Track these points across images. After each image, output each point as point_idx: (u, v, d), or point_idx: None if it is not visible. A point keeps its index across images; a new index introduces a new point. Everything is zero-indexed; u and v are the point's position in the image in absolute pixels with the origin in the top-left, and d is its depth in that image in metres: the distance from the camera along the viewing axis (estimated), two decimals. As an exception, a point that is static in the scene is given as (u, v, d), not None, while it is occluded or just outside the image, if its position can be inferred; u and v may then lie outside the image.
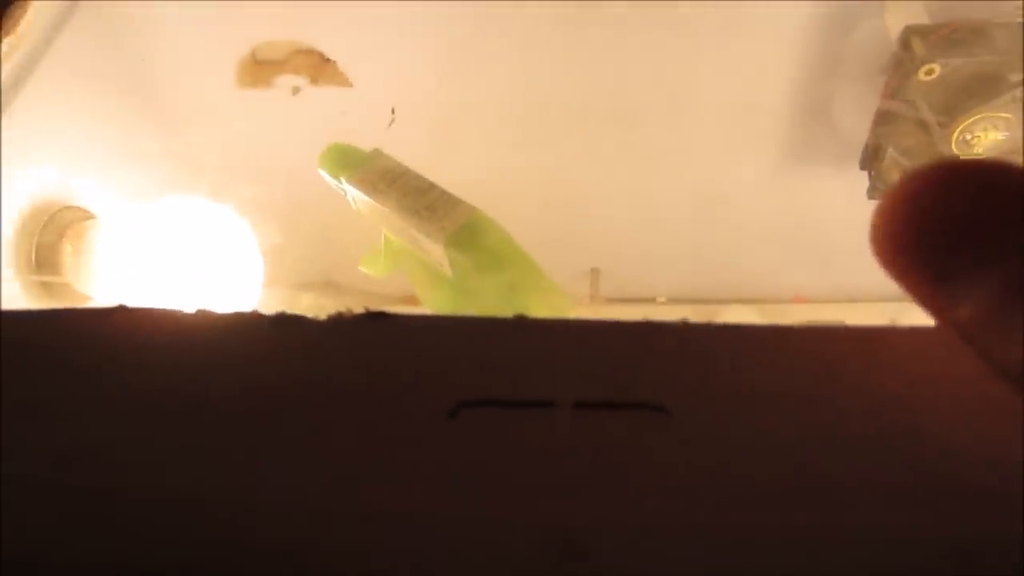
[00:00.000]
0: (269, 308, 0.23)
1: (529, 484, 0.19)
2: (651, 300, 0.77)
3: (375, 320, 0.21)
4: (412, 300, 0.67)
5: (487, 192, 0.66)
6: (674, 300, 0.76)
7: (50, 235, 0.46)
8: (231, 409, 0.21)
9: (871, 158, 0.55)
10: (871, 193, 0.56)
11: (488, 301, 0.33)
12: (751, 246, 0.71)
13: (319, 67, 0.61)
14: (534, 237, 0.70)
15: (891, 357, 0.19)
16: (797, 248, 0.71)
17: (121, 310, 0.23)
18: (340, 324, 0.21)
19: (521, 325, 0.21)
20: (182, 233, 0.47)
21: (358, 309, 0.22)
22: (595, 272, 0.76)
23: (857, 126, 0.57)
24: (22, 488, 0.19)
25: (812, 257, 0.71)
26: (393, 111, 0.35)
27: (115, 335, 0.22)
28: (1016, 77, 0.48)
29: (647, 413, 0.19)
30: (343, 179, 0.35)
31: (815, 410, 0.19)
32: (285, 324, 0.21)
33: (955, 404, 0.17)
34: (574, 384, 0.20)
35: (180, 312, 0.22)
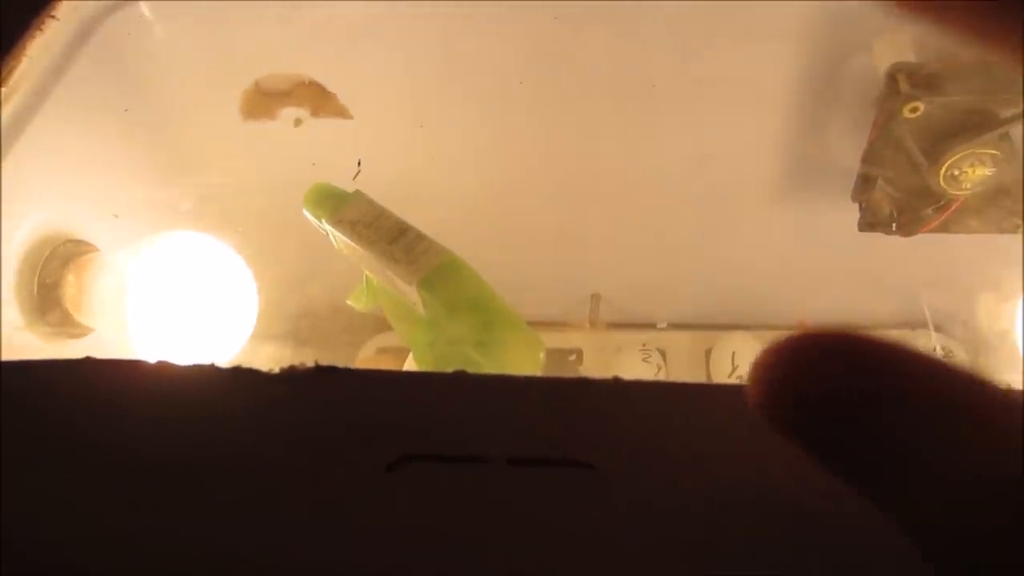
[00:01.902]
0: (233, 362, 0.24)
1: (462, 538, 0.20)
2: (651, 326, 0.77)
3: (325, 374, 0.22)
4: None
5: (488, 218, 0.68)
6: (674, 326, 0.77)
7: (53, 268, 0.48)
8: (186, 460, 0.22)
9: (861, 190, 0.55)
10: (862, 225, 0.57)
11: (460, 341, 0.34)
12: (751, 273, 0.71)
13: (320, 99, 0.62)
14: (535, 262, 0.72)
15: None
16: (798, 276, 0.71)
17: (87, 362, 0.24)
18: (292, 377, 0.22)
19: (461, 380, 0.22)
20: (183, 268, 0.48)
21: (309, 362, 0.23)
22: (595, 297, 0.77)
23: (850, 158, 0.57)
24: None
25: (812, 285, 0.71)
26: (359, 162, 0.36)
27: (81, 386, 0.24)
28: (1004, 114, 0.49)
29: (576, 470, 0.20)
30: (324, 220, 0.37)
31: (741, 469, 0.20)
32: (241, 377, 0.23)
33: None
34: (509, 439, 0.21)
35: (143, 363, 0.24)
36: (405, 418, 0.20)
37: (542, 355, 0.32)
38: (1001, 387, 0.11)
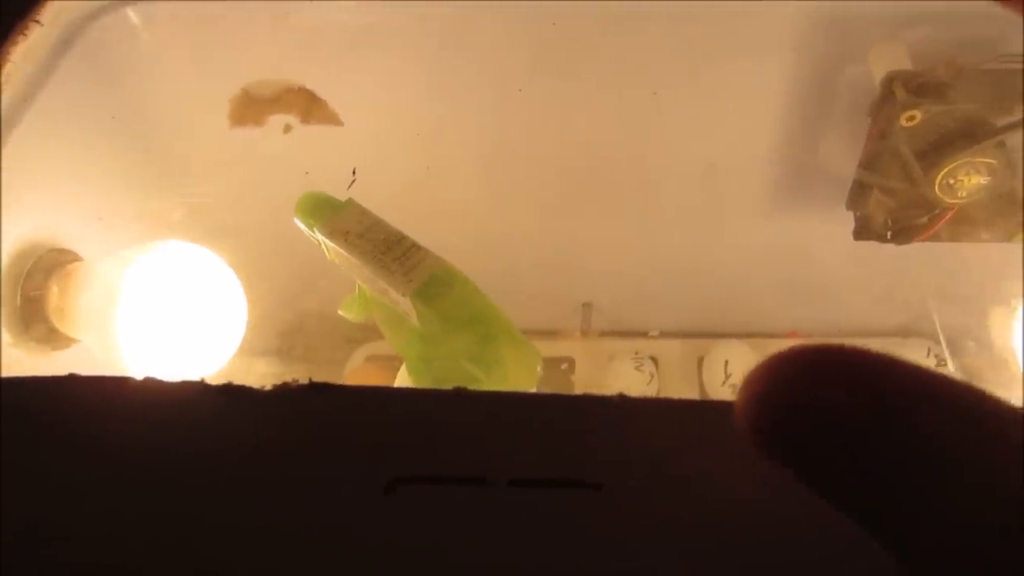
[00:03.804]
0: (222, 375, 0.23)
1: (462, 561, 0.19)
2: (643, 334, 0.77)
3: (319, 391, 0.22)
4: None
5: (480, 224, 0.67)
6: (667, 334, 0.76)
7: (37, 277, 0.47)
8: (176, 479, 0.21)
9: (856, 199, 0.55)
10: (856, 233, 0.56)
11: (456, 353, 0.33)
12: (744, 281, 0.71)
13: (310, 105, 0.61)
14: (527, 271, 0.71)
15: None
16: (791, 284, 0.71)
17: (71, 379, 0.23)
18: (285, 394, 0.22)
19: (460, 398, 0.21)
20: (170, 278, 0.47)
21: (300, 377, 0.22)
22: (587, 306, 0.76)
23: (845, 167, 0.57)
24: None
25: (805, 293, 0.71)
26: (354, 171, 0.35)
27: (65, 403, 0.23)
28: (1000, 123, 0.48)
29: (580, 490, 0.19)
30: (316, 229, 0.36)
31: (744, 487, 0.20)
32: (232, 394, 0.22)
33: None
34: (510, 460, 0.20)
35: (130, 380, 0.23)
36: (403, 437, 0.19)
37: (539, 368, 0.31)
38: (1000, 401, 0.11)
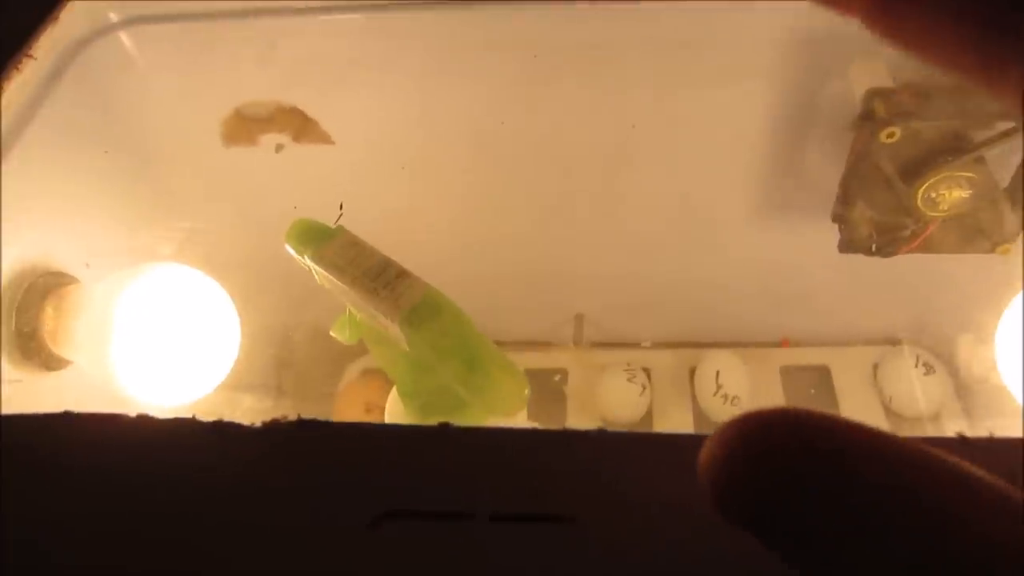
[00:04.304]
0: (210, 411, 0.23)
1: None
2: (635, 345, 0.77)
3: (307, 428, 0.22)
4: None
5: (471, 238, 0.68)
6: (658, 344, 0.77)
7: (31, 300, 0.47)
8: (169, 515, 0.21)
9: (840, 212, 0.56)
10: (842, 246, 0.57)
11: (445, 378, 0.34)
12: (735, 291, 0.72)
13: (302, 125, 0.62)
14: (520, 284, 0.72)
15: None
16: (780, 294, 0.71)
17: (66, 416, 0.24)
18: (275, 431, 0.22)
19: (444, 435, 0.22)
20: (163, 300, 0.48)
21: (292, 415, 0.23)
22: (579, 317, 0.77)
23: (829, 180, 0.58)
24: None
25: (794, 303, 0.72)
26: (341, 206, 0.36)
27: (60, 440, 0.23)
28: (978, 138, 0.49)
29: (558, 525, 0.20)
30: (307, 256, 0.37)
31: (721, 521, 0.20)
32: (223, 431, 0.23)
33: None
34: (491, 495, 0.21)
35: (123, 417, 0.23)
36: (388, 473, 0.20)
37: (527, 392, 0.32)
38: (944, 457, 0.11)
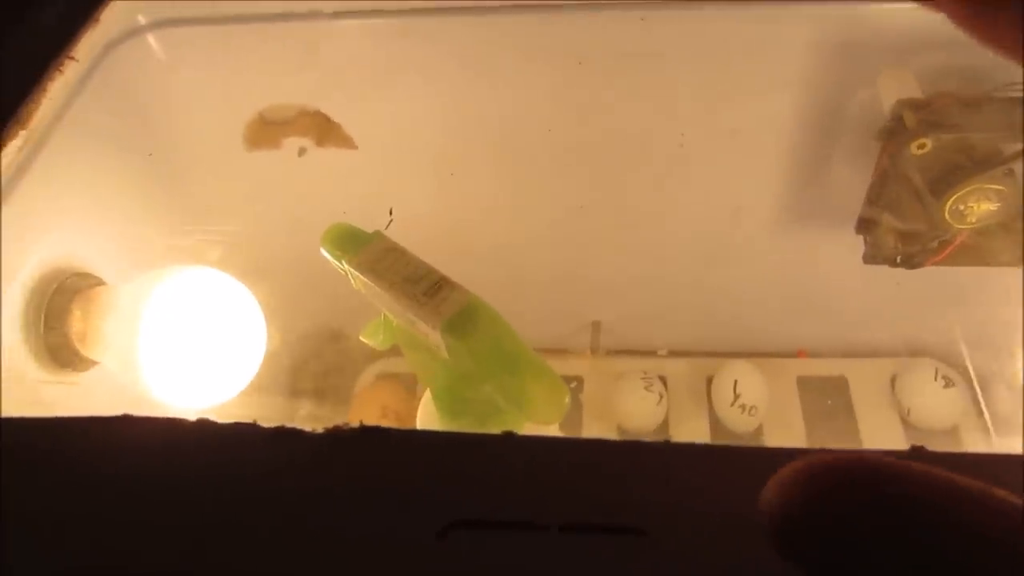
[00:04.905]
0: (266, 417, 0.23)
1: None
2: (652, 353, 0.77)
3: (369, 435, 0.22)
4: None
5: (489, 243, 0.68)
6: (675, 353, 0.77)
7: (59, 301, 0.47)
8: (232, 523, 0.21)
9: (866, 224, 0.56)
10: (867, 258, 0.57)
11: (484, 386, 0.33)
12: (753, 301, 0.72)
13: (325, 129, 0.62)
14: (537, 290, 0.72)
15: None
16: (799, 304, 0.71)
17: (124, 419, 0.23)
18: (336, 438, 0.22)
19: (509, 443, 0.22)
20: (191, 302, 0.48)
21: (353, 423, 0.23)
22: (596, 325, 0.77)
23: (853, 191, 0.58)
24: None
25: (814, 313, 0.72)
26: (391, 211, 0.36)
27: (118, 444, 0.23)
28: (1009, 150, 0.49)
29: (628, 536, 0.20)
30: (344, 261, 0.36)
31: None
32: (284, 438, 0.22)
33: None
34: (560, 505, 0.20)
35: (181, 421, 0.23)
36: (453, 482, 0.20)
37: (567, 400, 0.32)
38: (1005, 499, 0.11)
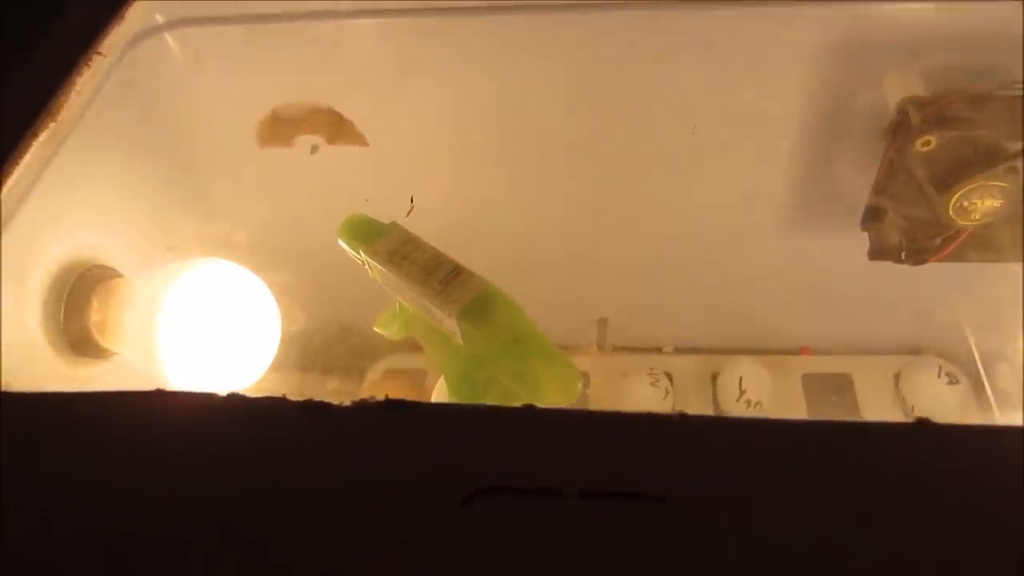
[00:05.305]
0: (295, 392, 0.24)
1: (537, 569, 0.20)
2: (658, 350, 0.78)
3: (395, 408, 0.23)
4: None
5: (499, 241, 0.68)
6: (681, 350, 0.78)
7: (79, 292, 0.48)
8: (263, 491, 0.22)
9: (871, 220, 0.57)
10: (871, 254, 0.58)
11: (499, 372, 0.34)
12: (758, 298, 0.72)
13: (336, 126, 0.63)
14: (544, 286, 0.72)
15: (876, 452, 0.20)
16: (804, 301, 0.72)
17: (159, 394, 0.24)
18: (363, 411, 0.23)
19: (530, 415, 0.23)
20: (207, 294, 0.48)
21: (379, 396, 0.24)
22: (603, 321, 0.77)
23: (859, 188, 0.58)
24: (52, 569, 0.21)
25: (818, 310, 0.72)
26: (412, 199, 0.37)
27: (152, 417, 0.24)
28: (1013, 148, 0.50)
29: (648, 503, 0.21)
30: (361, 250, 0.37)
31: (805, 505, 0.21)
32: (313, 410, 0.23)
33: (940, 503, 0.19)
34: (580, 473, 0.21)
35: (213, 395, 0.24)
36: (476, 452, 0.21)
37: (579, 385, 0.33)
38: None
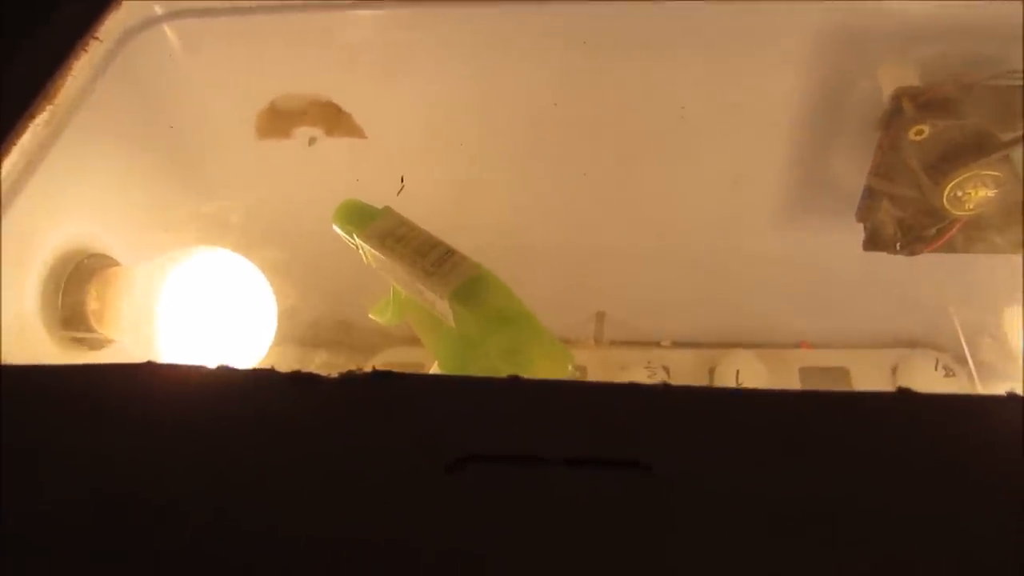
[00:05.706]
0: (285, 366, 0.24)
1: (523, 538, 0.21)
2: (655, 343, 0.78)
3: (382, 379, 0.23)
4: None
5: (497, 235, 0.69)
6: (678, 344, 0.78)
7: (76, 281, 0.49)
8: (251, 461, 0.22)
9: (866, 211, 0.57)
10: (866, 244, 0.58)
11: (490, 354, 0.34)
12: (754, 292, 0.72)
13: (334, 118, 0.63)
14: (542, 280, 0.72)
15: (865, 422, 0.21)
16: (800, 295, 0.72)
17: (148, 366, 0.25)
18: (351, 382, 0.23)
19: (515, 385, 0.23)
20: (203, 282, 0.49)
21: (367, 368, 0.24)
22: (600, 315, 0.77)
23: (854, 179, 0.59)
24: (47, 535, 0.21)
25: (814, 304, 0.72)
26: (403, 179, 0.37)
27: (143, 390, 0.24)
28: (1006, 137, 0.50)
29: (633, 470, 0.21)
30: (355, 235, 0.38)
31: (788, 472, 0.21)
32: (301, 382, 0.23)
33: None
34: (565, 441, 0.21)
35: (203, 368, 0.24)
36: (462, 422, 0.21)
37: (571, 367, 0.33)
38: None
